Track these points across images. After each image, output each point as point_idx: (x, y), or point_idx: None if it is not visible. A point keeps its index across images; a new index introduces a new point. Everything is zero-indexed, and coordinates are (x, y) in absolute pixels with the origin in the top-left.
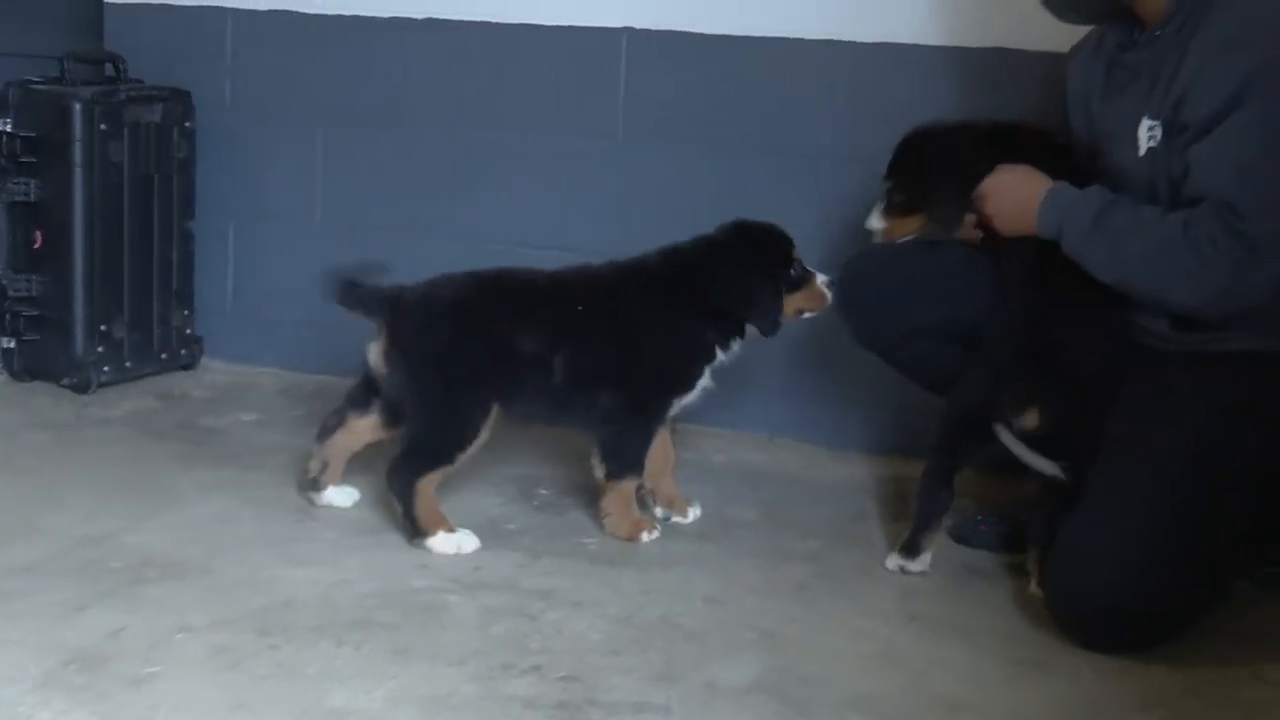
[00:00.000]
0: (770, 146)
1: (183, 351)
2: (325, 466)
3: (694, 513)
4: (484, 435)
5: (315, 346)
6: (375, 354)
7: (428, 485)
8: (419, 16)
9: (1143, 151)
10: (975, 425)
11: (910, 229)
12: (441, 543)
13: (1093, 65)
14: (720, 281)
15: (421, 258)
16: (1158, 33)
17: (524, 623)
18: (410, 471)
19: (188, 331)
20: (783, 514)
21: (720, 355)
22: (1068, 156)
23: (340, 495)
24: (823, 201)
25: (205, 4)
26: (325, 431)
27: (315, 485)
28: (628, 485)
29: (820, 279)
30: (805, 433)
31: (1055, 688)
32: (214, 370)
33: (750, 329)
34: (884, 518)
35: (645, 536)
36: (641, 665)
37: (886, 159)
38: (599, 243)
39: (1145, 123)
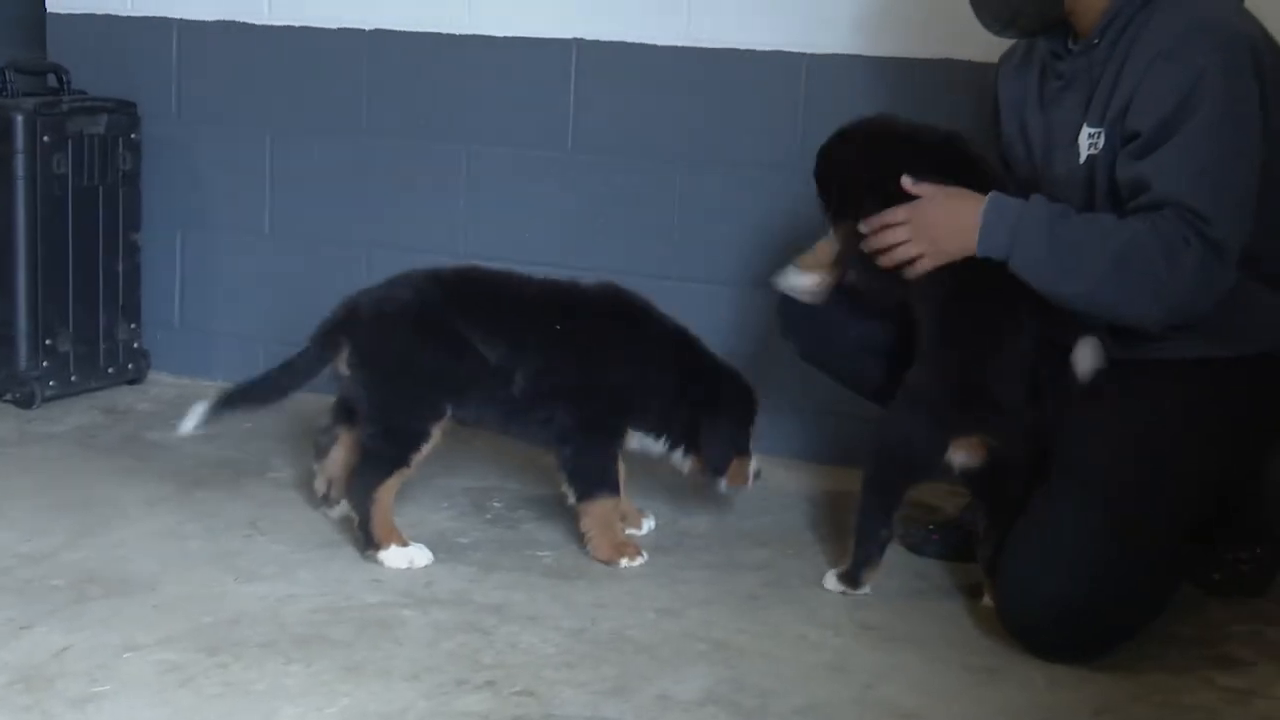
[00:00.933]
0: (720, 158)
1: (129, 365)
2: (330, 484)
3: (648, 525)
4: (436, 437)
5: (264, 359)
6: (339, 362)
7: (385, 493)
8: (367, 28)
9: (1083, 159)
10: (911, 466)
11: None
12: (394, 556)
13: (1024, 74)
14: (700, 409)
15: (370, 269)
16: (1095, 41)
17: (477, 637)
18: (367, 480)
19: (134, 345)
20: (734, 524)
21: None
22: (978, 170)
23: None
24: (772, 212)
25: (150, 14)
26: (320, 451)
27: (328, 502)
28: (601, 505)
29: (753, 463)
30: (756, 443)
31: (1006, 695)
32: (161, 384)
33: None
34: (834, 527)
35: (624, 562)
36: (595, 679)
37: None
38: (548, 253)
39: (1085, 130)
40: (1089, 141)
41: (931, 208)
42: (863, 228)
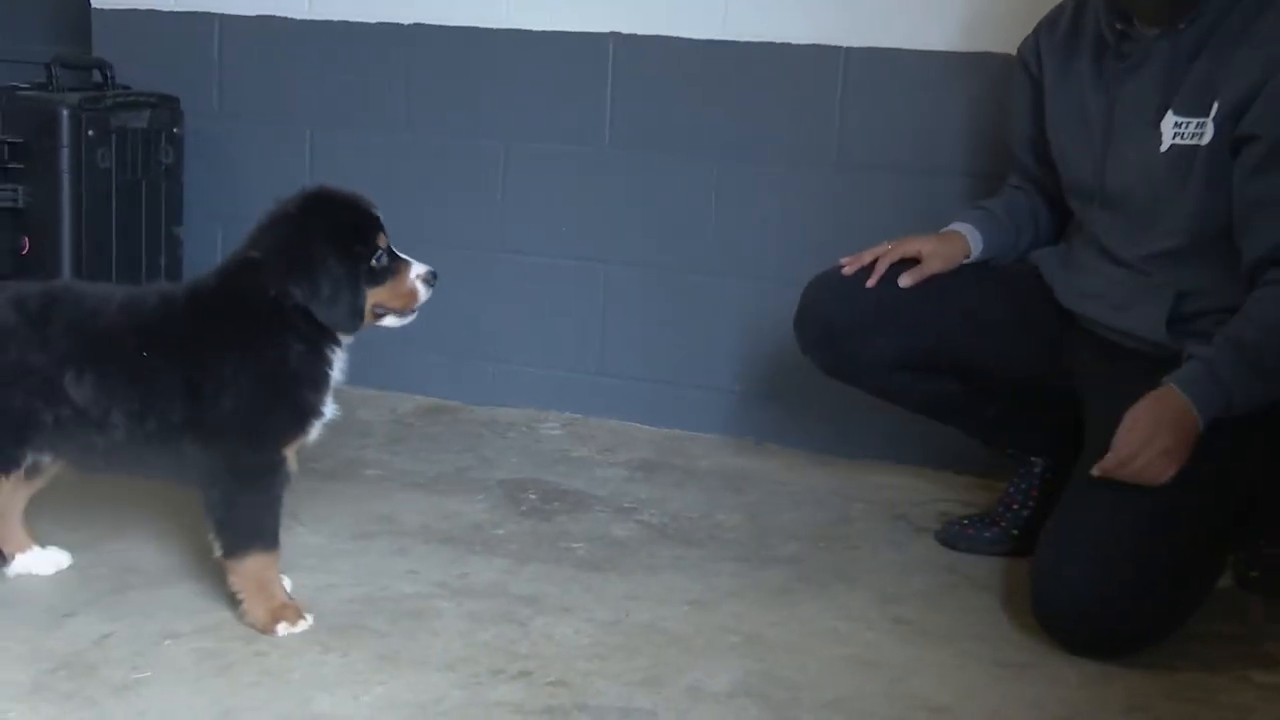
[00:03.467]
0: (757, 152)
1: None
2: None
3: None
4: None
5: None
6: None
7: None
8: (406, 22)
9: (1166, 146)
10: None
11: None
12: None
13: (1075, 50)
14: (277, 261)
15: None
16: (1181, 26)
17: (512, 628)
18: None
19: None
20: (766, 518)
21: (332, 371)
22: None
23: (39, 561)
24: (810, 208)
25: (193, 9)
26: None
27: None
28: (255, 564)
29: (416, 270)
30: (789, 438)
31: (1036, 691)
32: None
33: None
34: (866, 522)
35: (283, 629)
36: (628, 670)
37: (874, 163)
38: (587, 248)
39: (1172, 117)
40: (1176, 130)
41: (1150, 433)
42: (1096, 472)
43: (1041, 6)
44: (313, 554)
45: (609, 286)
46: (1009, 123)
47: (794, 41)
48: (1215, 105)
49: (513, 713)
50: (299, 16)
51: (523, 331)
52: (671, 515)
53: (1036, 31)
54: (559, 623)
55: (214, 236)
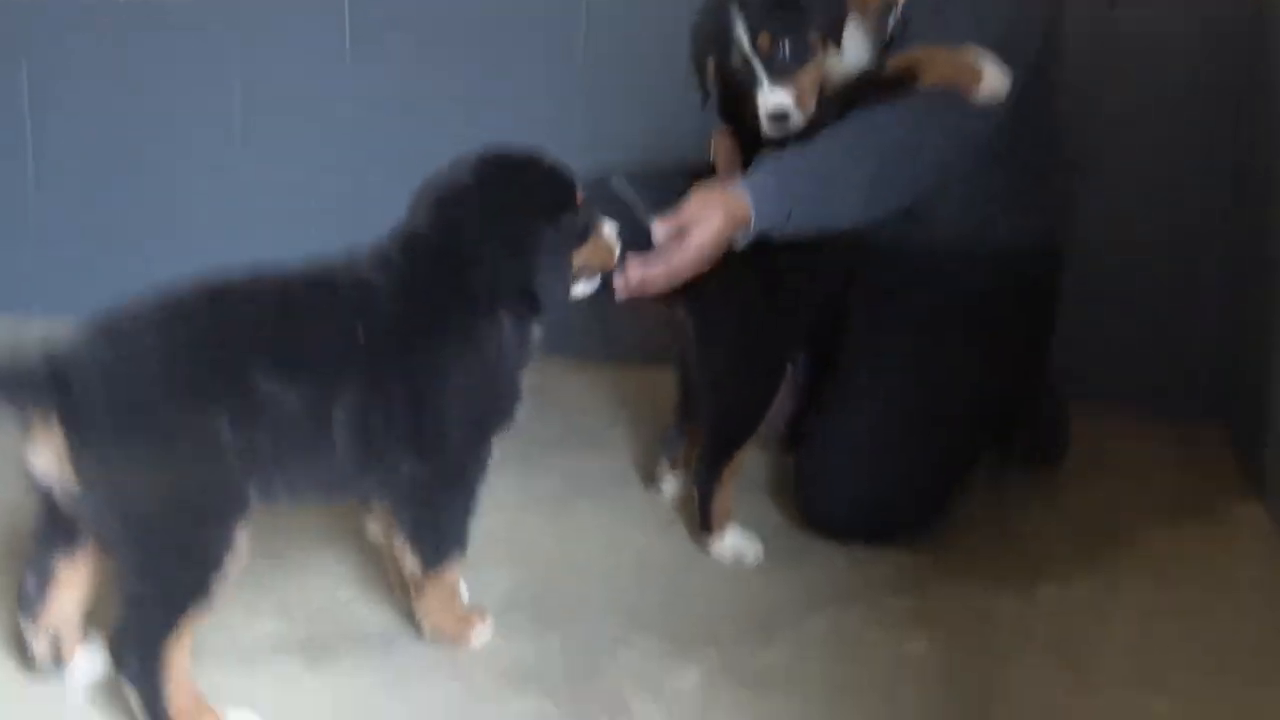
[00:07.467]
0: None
1: None
2: (58, 641)
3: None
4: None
5: None
6: (39, 449)
7: (179, 655)
8: None
9: None
10: None
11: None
12: None
13: None
14: (491, 243)
15: None
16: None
17: (269, 563)
18: (144, 649)
19: None
20: (533, 429)
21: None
22: None
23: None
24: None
25: None
26: (28, 602)
27: (59, 663)
28: (452, 574)
29: (608, 227)
30: (549, 345)
31: (809, 575)
32: None
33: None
34: (634, 424)
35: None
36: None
37: None
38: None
39: None
40: None
41: (706, 214)
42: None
43: None
44: None
45: None
46: None
47: None
48: None
49: (273, 651)
50: None
51: None
52: None
53: None
54: (319, 549)
55: None
